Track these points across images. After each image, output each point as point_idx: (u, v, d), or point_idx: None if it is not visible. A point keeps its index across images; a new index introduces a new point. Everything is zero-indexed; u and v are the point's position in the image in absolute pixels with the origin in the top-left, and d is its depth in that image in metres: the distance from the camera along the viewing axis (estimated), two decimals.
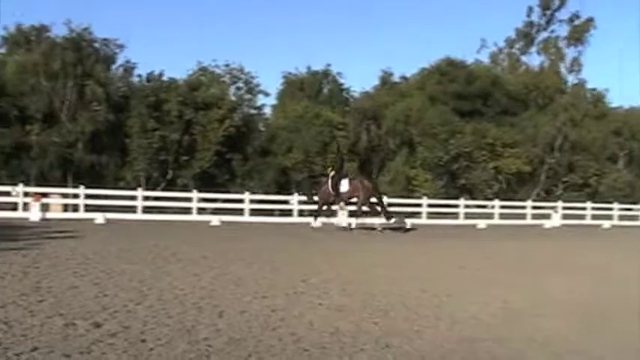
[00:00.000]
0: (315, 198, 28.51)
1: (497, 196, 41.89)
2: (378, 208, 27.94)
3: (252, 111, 43.64)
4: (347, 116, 44.15)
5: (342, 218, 28.44)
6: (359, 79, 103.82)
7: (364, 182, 27.84)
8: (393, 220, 28.03)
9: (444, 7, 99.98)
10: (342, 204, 28.04)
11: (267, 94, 44.44)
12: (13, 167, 34.26)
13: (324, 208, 28.02)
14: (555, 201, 42.40)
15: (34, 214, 27.02)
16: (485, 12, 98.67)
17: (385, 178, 42.23)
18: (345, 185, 27.00)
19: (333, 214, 29.02)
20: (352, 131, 42.81)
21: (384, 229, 27.28)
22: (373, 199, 28.12)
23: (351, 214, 28.08)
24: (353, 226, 27.27)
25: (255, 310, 9.18)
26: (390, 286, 11.95)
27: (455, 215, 37.74)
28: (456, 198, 39.46)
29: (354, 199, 27.31)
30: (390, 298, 10.72)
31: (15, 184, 29.52)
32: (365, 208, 27.58)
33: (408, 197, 39.19)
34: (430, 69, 48.98)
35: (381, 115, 44.53)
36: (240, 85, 43.03)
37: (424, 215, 36.59)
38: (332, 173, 27.33)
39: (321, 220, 27.98)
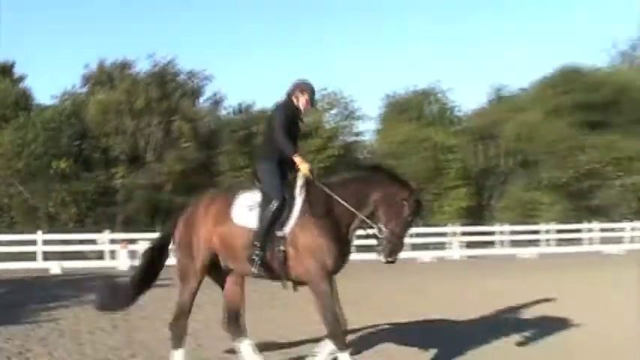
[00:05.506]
0: None
1: (633, 216, 40.42)
2: None
3: (353, 138, 43.67)
4: (458, 137, 43.60)
5: None
6: (469, 96, 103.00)
7: None
8: None
9: (557, 12, 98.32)
10: None
11: (365, 119, 44.08)
12: (98, 213, 35.04)
13: None
14: None
15: (123, 262, 27.43)
16: (604, 11, 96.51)
17: (501, 203, 41.53)
18: None
19: None
20: (464, 153, 42.21)
21: None
22: None
23: None
24: None
25: None
26: None
27: (579, 241, 36.69)
28: (588, 220, 38.26)
29: None
30: None
31: (101, 231, 30.05)
32: None
33: (527, 223, 38.36)
34: (547, 79, 47.98)
35: (496, 134, 43.85)
36: (339, 111, 43.01)
37: (547, 242, 35.73)
38: None
39: None
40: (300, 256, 8.26)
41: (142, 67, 39.45)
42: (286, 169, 8.75)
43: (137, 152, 37.14)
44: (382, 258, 8.14)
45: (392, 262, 8.13)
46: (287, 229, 8.34)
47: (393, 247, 8.11)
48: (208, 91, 40.80)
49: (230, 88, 77.66)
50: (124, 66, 40.54)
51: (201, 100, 40.96)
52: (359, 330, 11.47)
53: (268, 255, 8.35)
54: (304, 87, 9.01)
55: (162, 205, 36.09)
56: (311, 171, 8.53)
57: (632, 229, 37.80)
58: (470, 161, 42.81)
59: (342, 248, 8.40)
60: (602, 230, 37.55)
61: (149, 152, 37.02)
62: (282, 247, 8.28)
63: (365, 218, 8.34)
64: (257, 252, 8.33)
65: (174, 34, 78.68)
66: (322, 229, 8.28)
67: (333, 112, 42.90)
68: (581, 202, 42.55)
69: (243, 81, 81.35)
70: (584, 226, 37.40)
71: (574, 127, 43.25)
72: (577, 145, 42.39)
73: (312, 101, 9.11)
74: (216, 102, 41.11)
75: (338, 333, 8.17)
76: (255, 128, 37.97)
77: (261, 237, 8.32)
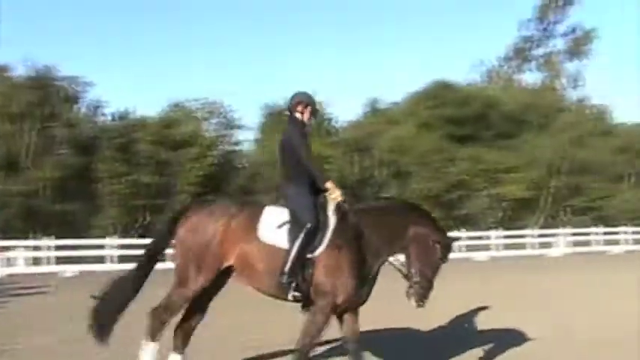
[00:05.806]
0: None
1: (498, 225, 41.69)
2: None
3: (233, 147, 43.75)
4: (334, 148, 43.92)
5: None
6: (346, 109, 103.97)
7: None
8: None
9: (430, 28, 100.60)
10: None
11: (245, 128, 44.10)
12: None
13: None
14: (560, 227, 42.11)
15: None
16: (473, 30, 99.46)
17: None
18: None
19: None
20: (340, 163, 42.56)
21: None
22: None
23: None
24: None
25: None
26: None
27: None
28: (457, 229, 39.11)
29: None
30: None
31: None
32: None
33: None
34: (419, 94, 48.76)
35: (371, 145, 44.43)
36: (219, 120, 42.93)
37: None
38: None
39: None
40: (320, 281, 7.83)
41: (20, 71, 38.40)
42: (315, 191, 8.24)
43: (13, 158, 36.14)
44: (414, 302, 7.76)
45: (422, 307, 7.78)
46: (317, 252, 7.84)
47: (424, 292, 7.76)
48: (88, 98, 40.07)
49: (111, 96, 76.48)
50: (2, 70, 39.33)
51: (80, 106, 40.17)
52: None
53: (300, 279, 7.82)
54: (306, 100, 8.59)
55: (38, 211, 35.31)
56: (344, 199, 8.07)
57: (497, 237, 38.99)
58: (346, 171, 43.23)
59: (360, 284, 7.87)
60: (470, 238, 38.45)
61: (26, 158, 36.12)
62: (311, 270, 7.79)
63: (388, 258, 8.09)
64: (289, 277, 7.80)
65: (56, 41, 77.08)
66: (346, 260, 7.81)
67: (212, 121, 42.90)
68: (451, 211, 43.50)
69: (125, 88, 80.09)
70: (453, 234, 38.18)
71: (445, 140, 44.41)
72: (447, 158, 43.54)
73: (315, 112, 8.74)
74: (96, 108, 40.42)
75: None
76: (134, 135, 37.60)
77: (294, 262, 7.78)
